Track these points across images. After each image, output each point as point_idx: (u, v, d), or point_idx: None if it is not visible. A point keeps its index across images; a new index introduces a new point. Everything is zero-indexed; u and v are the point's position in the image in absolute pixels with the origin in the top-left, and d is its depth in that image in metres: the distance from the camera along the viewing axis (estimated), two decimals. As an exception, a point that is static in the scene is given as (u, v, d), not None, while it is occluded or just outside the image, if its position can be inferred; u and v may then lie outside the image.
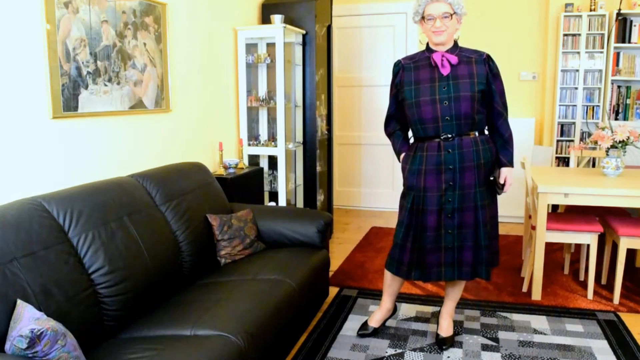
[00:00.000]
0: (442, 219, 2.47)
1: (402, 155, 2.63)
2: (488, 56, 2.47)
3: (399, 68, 2.53)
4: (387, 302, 2.80)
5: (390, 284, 2.75)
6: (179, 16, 3.28)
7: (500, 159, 2.52)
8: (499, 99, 2.46)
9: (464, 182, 2.44)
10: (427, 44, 2.51)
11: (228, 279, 2.55)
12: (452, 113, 2.38)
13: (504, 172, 2.51)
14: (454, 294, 2.73)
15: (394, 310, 2.87)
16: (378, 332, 2.80)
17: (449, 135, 2.42)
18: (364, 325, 2.80)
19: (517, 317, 3.01)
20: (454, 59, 2.42)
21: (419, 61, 2.50)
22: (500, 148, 2.52)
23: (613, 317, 3.00)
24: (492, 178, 2.50)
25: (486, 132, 2.57)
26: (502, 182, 2.51)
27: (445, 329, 2.71)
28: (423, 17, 2.42)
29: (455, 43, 2.50)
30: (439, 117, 2.40)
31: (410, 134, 2.65)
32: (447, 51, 2.44)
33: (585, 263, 3.68)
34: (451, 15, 2.38)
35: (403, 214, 2.55)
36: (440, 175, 2.44)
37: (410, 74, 2.49)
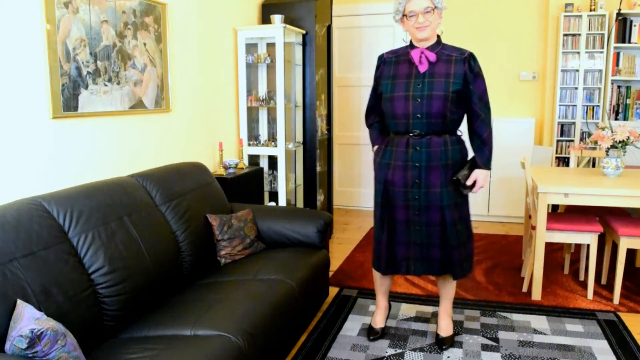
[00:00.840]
0: (410, 214, 2.48)
1: (375, 148, 2.65)
2: (470, 55, 2.43)
3: (381, 61, 2.55)
4: (382, 300, 2.81)
5: (381, 282, 2.76)
6: (179, 16, 3.28)
7: (475, 159, 2.49)
8: (478, 100, 2.42)
9: (429, 181, 2.43)
10: (411, 40, 2.50)
11: (228, 279, 2.55)
12: (423, 111, 2.37)
13: (477, 173, 2.47)
14: (446, 292, 2.71)
15: (390, 307, 2.88)
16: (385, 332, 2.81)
17: (419, 133, 2.41)
18: (371, 330, 2.78)
19: (517, 317, 3.01)
20: (432, 57, 2.40)
21: (401, 56, 2.51)
22: (477, 149, 2.49)
23: (613, 317, 3.00)
24: (455, 178, 2.45)
25: (459, 132, 2.55)
26: (469, 183, 2.47)
27: (445, 328, 2.71)
28: (405, 15, 2.40)
29: (439, 39, 2.47)
30: (410, 114, 2.40)
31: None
32: (428, 48, 2.43)
33: (585, 263, 3.68)
34: (433, 9, 2.36)
35: (377, 209, 2.58)
36: (407, 171, 2.44)
37: (390, 68, 2.50)
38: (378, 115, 2.65)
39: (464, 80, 2.39)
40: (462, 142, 2.52)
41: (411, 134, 2.43)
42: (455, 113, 2.43)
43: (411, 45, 2.48)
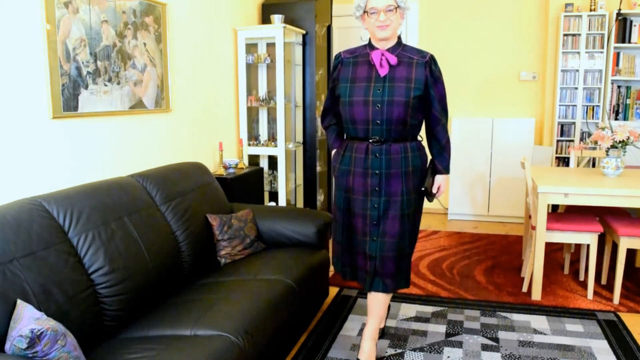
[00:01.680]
0: (367, 224, 2.36)
1: (333, 152, 2.55)
2: (431, 58, 2.33)
3: (339, 62, 2.42)
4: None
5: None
6: (179, 16, 3.28)
7: (435, 165, 2.43)
8: (438, 105, 2.34)
9: (389, 189, 2.33)
10: (369, 39, 2.37)
11: (228, 279, 2.55)
12: (383, 117, 2.27)
13: (439, 179, 2.44)
14: (378, 308, 2.48)
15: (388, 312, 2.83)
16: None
17: (378, 139, 2.32)
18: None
19: (517, 317, 3.01)
20: (393, 60, 2.28)
21: (359, 57, 2.38)
22: (437, 155, 2.43)
23: (613, 317, 3.00)
24: (423, 189, 2.40)
25: (419, 138, 2.46)
26: (435, 190, 2.44)
27: (367, 353, 2.45)
28: (365, 12, 2.28)
29: (399, 40, 2.36)
30: (370, 120, 2.29)
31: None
32: (388, 49, 2.31)
33: (585, 263, 3.68)
34: (395, 8, 2.24)
35: (337, 213, 2.47)
36: (367, 179, 2.34)
37: (348, 69, 2.37)
38: (335, 117, 2.54)
39: (424, 85, 2.30)
40: (422, 148, 2.43)
41: (370, 140, 2.33)
42: (416, 118, 2.34)
43: (370, 46, 2.35)
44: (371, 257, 2.37)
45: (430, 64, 2.31)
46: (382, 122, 2.28)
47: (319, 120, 4.47)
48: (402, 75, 2.28)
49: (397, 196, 2.34)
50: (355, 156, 2.37)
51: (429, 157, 2.44)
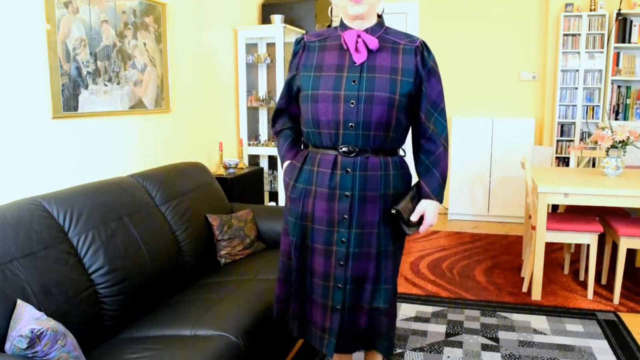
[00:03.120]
0: (331, 264, 1.77)
1: (285, 164, 1.92)
2: (422, 43, 1.78)
3: (300, 47, 1.85)
4: None
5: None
6: (179, 16, 3.28)
7: (422, 186, 1.82)
8: (430, 105, 1.78)
9: (363, 218, 1.76)
10: (341, 19, 1.83)
11: (228, 279, 2.55)
12: (359, 119, 1.70)
13: (425, 205, 1.80)
14: None
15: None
16: None
17: (351, 149, 1.74)
18: None
19: (517, 317, 3.01)
20: (373, 43, 1.72)
21: (328, 39, 1.82)
22: (424, 173, 1.83)
23: (613, 317, 3.00)
24: (393, 211, 1.74)
25: (401, 152, 1.91)
26: (414, 219, 1.79)
27: None
28: None
29: (381, 20, 1.81)
30: (340, 122, 1.72)
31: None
32: (367, 30, 1.76)
33: (585, 263, 3.68)
34: None
35: (287, 247, 1.88)
36: (333, 203, 1.75)
37: (313, 55, 1.81)
38: (291, 119, 1.98)
39: (414, 78, 1.75)
40: (406, 167, 1.87)
41: (341, 150, 1.75)
42: (403, 123, 1.79)
43: (343, 26, 1.80)
44: (334, 310, 1.78)
45: (421, 50, 1.77)
46: (358, 125, 1.71)
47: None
48: (386, 64, 1.73)
49: (373, 228, 1.77)
50: (318, 171, 1.78)
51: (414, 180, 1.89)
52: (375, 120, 1.71)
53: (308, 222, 1.81)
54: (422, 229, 1.82)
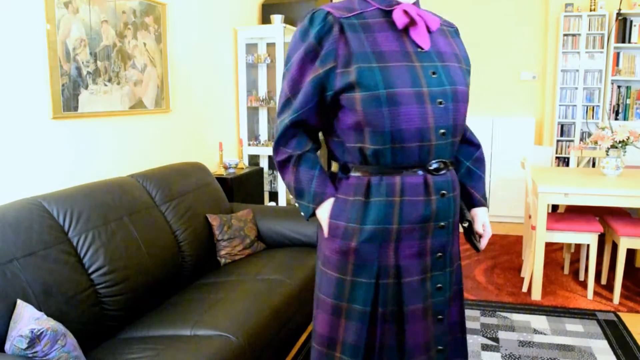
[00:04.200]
0: (430, 325, 1.35)
1: (326, 204, 1.36)
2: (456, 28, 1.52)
3: (331, 26, 1.30)
4: None
5: None
6: (179, 16, 3.28)
7: (472, 193, 1.50)
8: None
9: (454, 250, 1.42)
10: None
11: (228, 279, 2.55)
12: (449, 123, 1.30)
13: (481, 215, 1.51)
14: None
15: None
16: None
17: (441, 165, 1.32)
18: None
19: (517, 317, 3.01)
20: (434, 22, 1.31)
21: (367, 17, 1.30)
22: (468, 177, 1.51)
23: (613, 317, 3.00)
24: (466, 224, 1.48)
25: None
26: (481, 230, 1.51)
27: None
28: None
29: None
30: (431, 129, 1.27)
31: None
32: (414, 4, 1.32)
33: (585, 263, 3.68)
34: None
35: (350, 328, 1.34)
36: (426, 240, 1.33)
37: (361, 37, 1.27)
38: (311, 137, 1.41)
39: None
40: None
41: (431, 168, 1.31)
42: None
43: None
44: None
45: (459, 34, 1.49)
46: (449, 131, 1.30)
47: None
48: (449, 50, 1.37)
49: (459, 259, 1.46)
50: (403, 201, 1.29)
51: None
52: (462, 123, 1.34)
53: (390, 278, 1.31)
54: (484, 242, 1.50)
